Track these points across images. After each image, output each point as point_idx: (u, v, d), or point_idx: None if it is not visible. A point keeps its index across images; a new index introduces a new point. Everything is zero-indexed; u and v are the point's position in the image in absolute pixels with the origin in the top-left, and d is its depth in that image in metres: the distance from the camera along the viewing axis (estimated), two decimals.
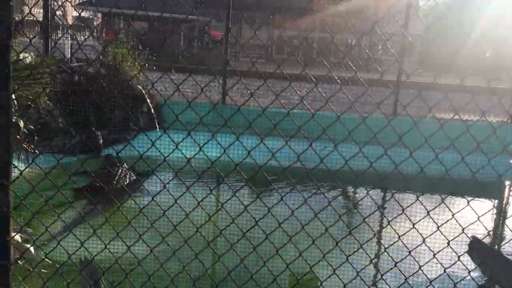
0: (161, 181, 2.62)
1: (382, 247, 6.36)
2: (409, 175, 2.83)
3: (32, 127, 6.10)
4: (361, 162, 2.49)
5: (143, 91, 9.55)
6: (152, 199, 2.54)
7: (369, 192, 7.72)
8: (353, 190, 9.17)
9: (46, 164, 6.98)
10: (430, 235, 2.64)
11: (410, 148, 2.34)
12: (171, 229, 2.55)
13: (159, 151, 2.56)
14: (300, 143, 2.66)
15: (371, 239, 6.46)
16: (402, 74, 11.53)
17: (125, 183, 7.67)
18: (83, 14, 22.94)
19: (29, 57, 6.42)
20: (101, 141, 8.97)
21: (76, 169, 4.96)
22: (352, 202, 8.34)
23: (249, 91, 2.54)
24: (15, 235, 2.60)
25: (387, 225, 7.18)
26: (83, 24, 19.33)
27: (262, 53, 24.10)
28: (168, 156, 2.54)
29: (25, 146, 5.88)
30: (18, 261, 3.10)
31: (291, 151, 2.63)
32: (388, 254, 2.76)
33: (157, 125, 9.68)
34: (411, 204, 2.57)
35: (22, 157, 5.75)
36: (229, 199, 2.57)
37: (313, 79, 2.78)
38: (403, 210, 2.38)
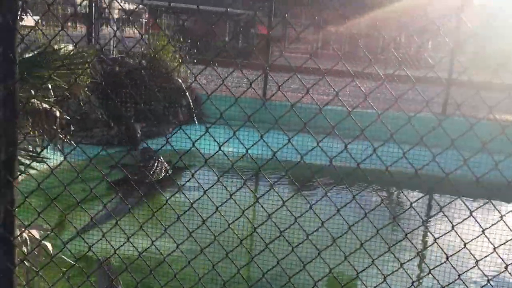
0: (194, 177, 2.40)
1: (442, 255, 5.96)
2: (463, 180, 2.53)
3: (68, 117, 6.08)
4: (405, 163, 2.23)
5: (183, 85, 9.45)
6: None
7: (415, 196, 7.30)
8: (397, 192, 8.76)
9: (82, 156, 6.97)
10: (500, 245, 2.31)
11: (463, 151, 2.04)
12: (204, 226, 2.34)
13: (200, 152, 2.36)
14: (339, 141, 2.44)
15: (428, 246, 6.09)
16: (453, 71, 10.96)
17: (160, 177, 7.58)
18: (129, 6, 23.27)
19: (65, 47, 6.39)
20: (139, 134, 8.96)
21: (116, 161, 4.86)
22: (398, 206, 7.95)
23: (291, 87, 2.28)
24: (24, 231, 2.47)
25: (442, 235, 6.76)
26: (129, 17, 19.56)
27: (307, 48, 23.72)
28: (207, 157, 2.33)
29: (61, 136, 5.85)
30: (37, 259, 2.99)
31: (331, 149, 2.43)
32: (451, 265, 2.45)
33: (195, 119, 9.58)
34: (467, 217, 2.25)
35: (59, 147, 5.71)
36: (267, 191, 2.33)
37: (352, 74, 2.51)
38: (467, 216, 2.08)
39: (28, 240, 2.85)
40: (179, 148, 5.45)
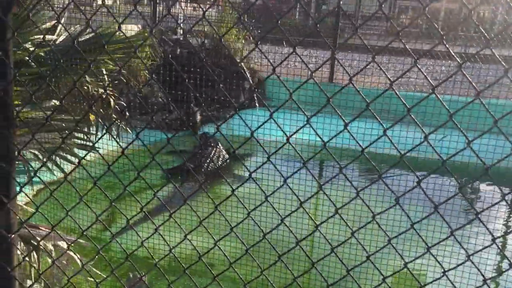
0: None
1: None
2: None
3: (123, 103, 5.93)
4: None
5: (244, 67, 9.08)
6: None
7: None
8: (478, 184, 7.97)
9: (140, 141, 6.81)
10: None
11: None
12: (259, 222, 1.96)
13: (259, 143, 1.97)
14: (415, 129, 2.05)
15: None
16: None
17: (217, 165, 7.31)
18: None
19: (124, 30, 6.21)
20: (199, 118, 8.73)
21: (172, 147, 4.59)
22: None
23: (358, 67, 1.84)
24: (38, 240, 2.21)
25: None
26: None
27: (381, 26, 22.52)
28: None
29: (117, 121, 5.70)
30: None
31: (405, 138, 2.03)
32: None
33: (257, 103, 9.19)
34: None
35: (115, 133, 5.57)
36: (328, 181, 1.91)
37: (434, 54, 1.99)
38: None
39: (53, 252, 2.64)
40: (240, 134, 5.09)
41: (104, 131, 5.29)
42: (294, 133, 1.73)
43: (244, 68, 9.26)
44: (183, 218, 4.51)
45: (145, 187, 5.81)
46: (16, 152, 1.66)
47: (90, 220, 4.56)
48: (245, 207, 1.87)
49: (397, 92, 1.39)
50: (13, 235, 1.55)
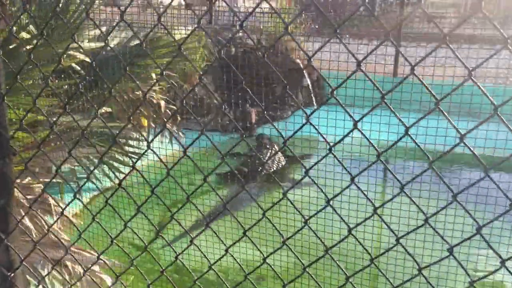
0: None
1: None
2: None
3: (174, 107, 5.84)
4: None
5: (301, 64, 8.76)
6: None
7: None
8: None
9: (196, 143, 6.71)
10: None
11: None
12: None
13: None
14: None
15: None
16: None
17: (274, 169, 7.06)
18: None
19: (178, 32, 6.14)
20: (254, 119, 8.53)
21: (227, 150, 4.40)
22: None
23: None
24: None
25: None
26: None
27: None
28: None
29: (169, 126, 5.62)
30: None
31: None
32: None
33: (314, 101, 8.86)
34: None
35: (167, 137, 5.49)
36: (359, 173, 1.65)
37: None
38: None
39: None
40: (299, 134, 4.81)
41: (155, 135, 5.24)
42: (337, 143, 1.47)
43: (301, 65, 8.95)
44: (234, 227, 4.32)
45: (200, 192, 5.68)
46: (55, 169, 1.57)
47: (140, 228, 4.49)
48: (301, 214, 1.59)
49: (480, 85, 1.09)
50: (13, 274, 1.41)
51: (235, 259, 1.70)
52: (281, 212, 3.97)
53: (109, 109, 4.94)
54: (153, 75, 5.15)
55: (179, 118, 5.99)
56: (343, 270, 1.35)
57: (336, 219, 3.36)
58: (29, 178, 3.45)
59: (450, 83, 5.98)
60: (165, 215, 5.38)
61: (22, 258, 1.43)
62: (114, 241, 1.70)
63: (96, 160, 4.38)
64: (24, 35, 4.22)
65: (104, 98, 4.77)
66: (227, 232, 4.15)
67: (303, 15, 9.46)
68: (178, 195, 4.85)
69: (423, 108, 4.99)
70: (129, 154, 4.57)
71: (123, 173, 4.35)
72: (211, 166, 4.77)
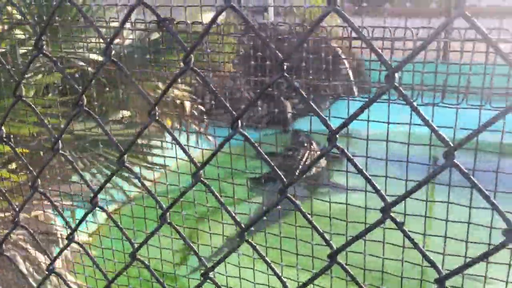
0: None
1: None
2: None
3: (202, 107, 5.37)
4: None
5: (339, 50, 8.09)
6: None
7: None
8: None
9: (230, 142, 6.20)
10: None
11: None
12: None
13: None
14: None
15: None
16: None
17: (312, 171, 6.44)
18: None
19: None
20: (290, 113, 7.95)
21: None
22: None
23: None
24: None
25: None
26: None
27: None
28: None
29: (196, 126, 5.17)
30: None
31: None
32: None
33: (355, 90, 8.16)
34: None
35: (190, 137, 5.02)
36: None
37: None
38: None
39: None
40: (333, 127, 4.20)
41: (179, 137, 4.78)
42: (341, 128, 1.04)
43: (340, 51, 8.27)
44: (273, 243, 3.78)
45: (231, 202, 5.17)
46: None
47: (165, 248, 4.03)
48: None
49: None
50: None
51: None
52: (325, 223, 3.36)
53: (127, 113, 4.51)
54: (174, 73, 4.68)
55: (205, 118, 5.52)
56: None
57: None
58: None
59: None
60: (191, 231, 4.90)
61: None
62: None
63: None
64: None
65: (120, 100, 4.34)
66: (268, 247, 3.56)
67: None
68: (204, 205, 4.37)
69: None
70: (151, 165, 4.12)
71: (138, 187, 3.92)
72: (246, 168, 4.25)
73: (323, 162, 6.64)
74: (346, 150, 0.95)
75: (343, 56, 8.34)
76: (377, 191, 0.92)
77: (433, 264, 0.90)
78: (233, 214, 1.17)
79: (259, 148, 1.06)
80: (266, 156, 1.09)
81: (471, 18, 0.72)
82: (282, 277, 1.09)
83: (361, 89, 8.27)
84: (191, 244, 1.28)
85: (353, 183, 3.36)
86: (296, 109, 8.06)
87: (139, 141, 4.30)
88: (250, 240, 1.10)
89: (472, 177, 0.82)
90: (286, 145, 7.03)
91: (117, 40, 4.71)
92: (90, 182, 3.67)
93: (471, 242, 2.67)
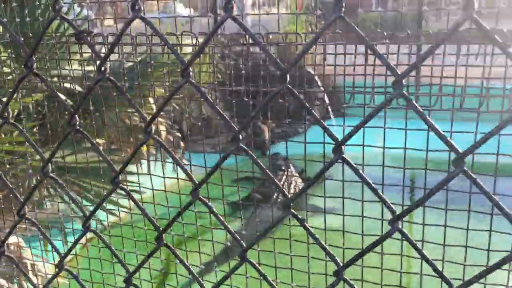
0: None
1: None
2: None
3: (178, 133, 5.35)
4: None
5: (313, 73, 8.17)
6: None
7: None
8: None
9: (207, 166, 6.15)
10: None
11: None
12: None
13: None
14: None
15: None
16: None
17: (290, 194, 6.47)
18: None
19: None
20: (267, 136, 7.97)
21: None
22: None
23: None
24: None
25: None
26: None
27: None
28: None
29: (172, 154, 5.12)
30: None
31: None
32: None
33: (331, 113, 8.25)
34: None
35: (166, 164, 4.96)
36: None
37: None
38: None
39: None
40: (316, 150, 4.19)
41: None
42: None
43: (314, 74, 8.36)
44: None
45: (213, 224, 5.10)
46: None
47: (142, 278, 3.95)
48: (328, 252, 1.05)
49: None
50: None
51: None
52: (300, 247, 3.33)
53: (101, 141, 4.47)
54: (151, 100, 4.67)
55: (182, 144, 5.50)
56: None
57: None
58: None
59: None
60: (169, 256, 4.82)
61: None
62: None
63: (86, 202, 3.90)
64: None
65: (95, 127, 4.29)
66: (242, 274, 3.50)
67: (320, 18, 8.91)
68: (185, 229, 4.30)
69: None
70: (127, 191, 4.05)
71: (114, 214, 3.86)
72: (223, 192, 4.17)
73: (300, 184, 6.65)
74: (351, 162, 0.92)
75: (317, 80, 8.45)
76: (384, 202, 0.91)
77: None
78: (233, 232, 1.15)
79: (261, 164, 1.04)
80: (269, 172, 1.08)
81: (479, 21, 0.71)
82: None
83: (336, 112, 8.36)
84: (190, 268, 1.25)
85: (332, 206, 3.36)
86: (273, 133, 8.11)
87: (116, 167, 4.25)
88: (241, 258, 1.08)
89: (482, 184, 0.80)
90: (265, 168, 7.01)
91: (89, 68, 4.70)
92: (61, 209, 3.62)
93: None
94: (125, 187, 1.21)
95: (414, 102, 0.81)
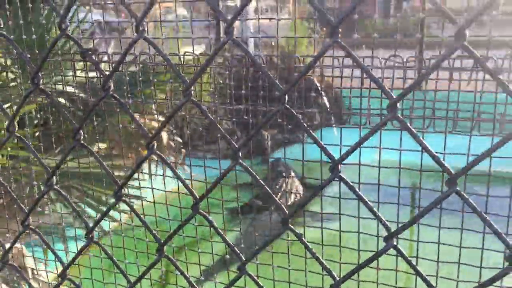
0: None
1: None
2: None
3: (179, 139, 5.38)
4: None
5: (316, 81, 8.23)
6: None
7: None
8: None
9: (207, 173, 6.14)
10: None
11: None
12: None
13: None
14: None
15: None
16: None
17: (291, 200, 6.48)
18: None
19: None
20: (269, 143, 8.00)
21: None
22: None
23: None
24: None
25: None
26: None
27: None
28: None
29: (173, 157, 5.16)
30: None
31: None
32: None
33: (333, 121, 8.26)
34: None
35: (167, 169, 4.99)
36: None
37: None
38: None
39: None
40: (314, 158, 4.19)
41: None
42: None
43: (317, 82, 8.43)
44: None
45: (212, 233, 5.12)
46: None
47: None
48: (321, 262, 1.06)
49: None
50: None
51: None
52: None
53: (103, 145, 4.49)
54: (153, 106, 4.69)
55: (183, 150, 5.52)
56: None
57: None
58: None
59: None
60: (169, 267, 4.83)
61: None
62: None
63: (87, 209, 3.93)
64: None
65: (96, 133, 4.31)
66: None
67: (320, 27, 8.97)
68: (185, 236, 4.32)
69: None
70: (129, 205, 4.07)
71: (116, 220, 3.88)
72: (224, 199, 4.18)
73: (301, 190, 6.67)
74: (348, 181, 0.94)
75: (319, 87, 8.50)
76: (380, 220, 0.93)
77: None
78: (233, 246, 1.16)
79: (257, 176, 1.07)
80: (266, 186, 1.09)
81: (470, 49, 0.73)
82: None
83: (338, 119, 8.38)
84: (191, 280, 1.26)
85: (332, 210, 3.37)
86: (274, 139, 8.14)
87: (117, 173, 4.28)
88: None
89: (474, 205, 0.84)
90: (264, 175, 7.04)
91: (93, 73, 4.73)
92: (61, 214, 3.63)
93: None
94: (127, 200, 1.23)
95: (408, 124, 0.83)
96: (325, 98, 8.50)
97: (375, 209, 0.96)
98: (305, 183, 6.79)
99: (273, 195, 1.10)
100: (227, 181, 5.88)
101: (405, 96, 0.82)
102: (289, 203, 6.40)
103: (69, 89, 4.19)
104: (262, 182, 1.06)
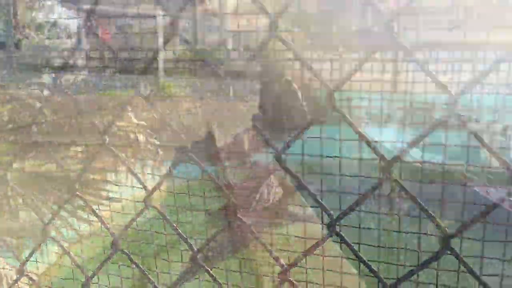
0: None
1: None
2: None
3: (156, 141, 5.35)
4: None
5: (290, 83, 8.27)
6: None
7: None
8: None
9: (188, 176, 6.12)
10: None
11: None
12: None
13: None
14: None
15: None
16: None
17: (267, 203, 6.44)
18: None
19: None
20: (246, 146, 7.98)
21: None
22: None
23: None
24: None
25: None
26: None
27: None
28: None
29: (152, 162, 5.14)
30: None
31: None
32: None
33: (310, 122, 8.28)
34: None
35: (149, 173, 4.98)
36: None
37: None
38: None
39: None
40: (297, 158, 4.21)
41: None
42: None
43: (294, 85, 8.44)
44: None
45: (189, 234, 5.10)
46: None
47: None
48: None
49: None
50: None
51: None
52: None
53: (79, 148, 4.45)
54: (128, 108, 4.67)
55: (160, 152, 5.49)
56: None
57: None
58: None
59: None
60: (144, 262, 4.77)
61: None
62: None
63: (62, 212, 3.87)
64: None
65: (71, 136, 4.27)
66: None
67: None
68: (160, 239, 4.31)
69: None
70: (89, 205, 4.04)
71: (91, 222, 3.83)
72: (200, 203, 4.19)
73: (280, 192, 6.68)
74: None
75: (295, 89, 8.52)
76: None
77: None
78: (185, 238, 1.18)
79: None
80: (222, 186, 1.11)
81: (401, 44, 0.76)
82: None
83: (316, 118, 8.37)
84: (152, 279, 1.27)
85: (310, 213, 3.40)
86: (253, 141, 8.13)
87: (93, 176, 4.23)
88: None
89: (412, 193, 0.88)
90: (244, 177, 7.03)
91: (67, 77, 4.70)
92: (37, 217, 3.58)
93: None
94: (91, 197, 1.24)
95: (349, 118, 0.88)
96: (300, 100, 8.52)
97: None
98: (284, 184, 6.82)
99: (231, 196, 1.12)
100: (207, 184, 5.86)
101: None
102: (268, 205, 6.42)
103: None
104: (215, 179, 1.09)
